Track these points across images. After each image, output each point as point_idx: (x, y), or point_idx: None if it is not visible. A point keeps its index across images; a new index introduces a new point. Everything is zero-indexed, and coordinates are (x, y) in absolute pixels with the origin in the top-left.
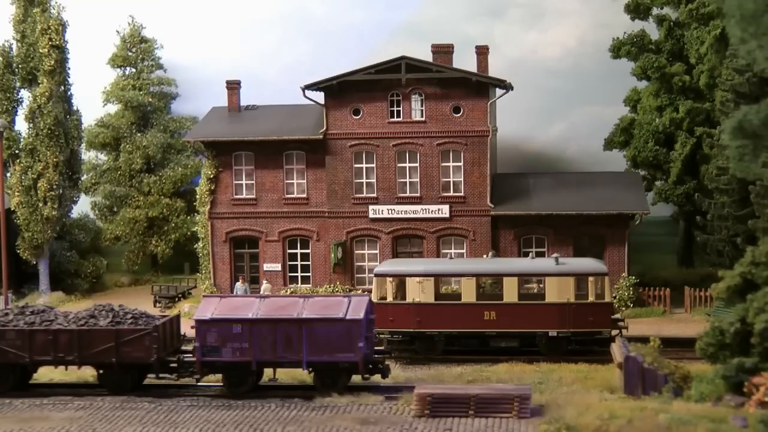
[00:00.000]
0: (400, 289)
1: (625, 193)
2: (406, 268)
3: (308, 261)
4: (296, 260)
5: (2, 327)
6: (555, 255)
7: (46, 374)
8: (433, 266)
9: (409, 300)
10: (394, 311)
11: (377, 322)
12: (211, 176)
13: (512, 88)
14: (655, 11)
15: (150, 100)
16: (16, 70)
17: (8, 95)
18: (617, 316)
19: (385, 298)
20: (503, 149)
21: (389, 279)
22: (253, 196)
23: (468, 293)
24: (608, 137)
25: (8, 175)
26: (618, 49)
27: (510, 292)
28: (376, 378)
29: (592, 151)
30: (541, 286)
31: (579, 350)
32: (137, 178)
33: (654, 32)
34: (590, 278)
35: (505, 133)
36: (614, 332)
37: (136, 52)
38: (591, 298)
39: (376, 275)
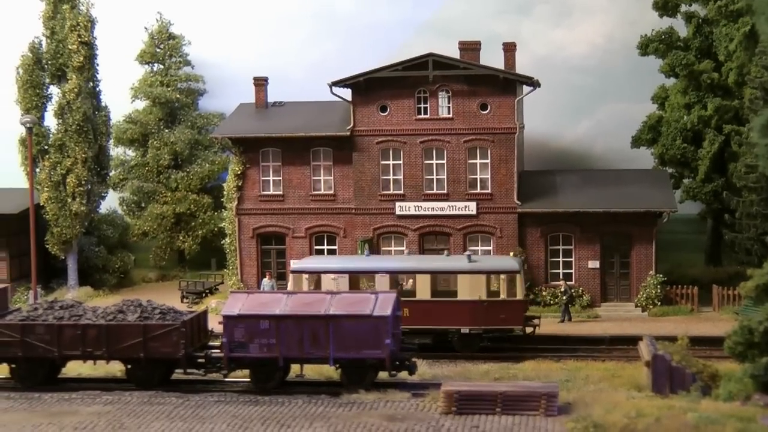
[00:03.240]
0: (317, 286)
1: (653, 190)
2: (322, 265)
3: None
4: None
5: (31, 321)
6: (468, 252)
7: (74, 369)
8: (348, 264)
9: None
10: None
11: None
12: (239, 172)
13: (539, 85)
14: (683, 8)
15: (177, 96)
16: (46, 66)
17: (38, 91)
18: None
19: None
20: (530, 146)
21: (305, 276)
22: (280, 193)
23: (381, 290)
24: (636, 134)
25: (37, 170)
26: (646, 46)
27: (423, 290)
28: (403, 375)
29: (619, 149)
30: (454, 283)
31: (491, 347)
32: (165, 174)
33: (682, 29)
34: (502, 276)
35: (532, 130)
36: (528, 330)
37: (163, 48)
38: (503, 296)
39: (292, 272)
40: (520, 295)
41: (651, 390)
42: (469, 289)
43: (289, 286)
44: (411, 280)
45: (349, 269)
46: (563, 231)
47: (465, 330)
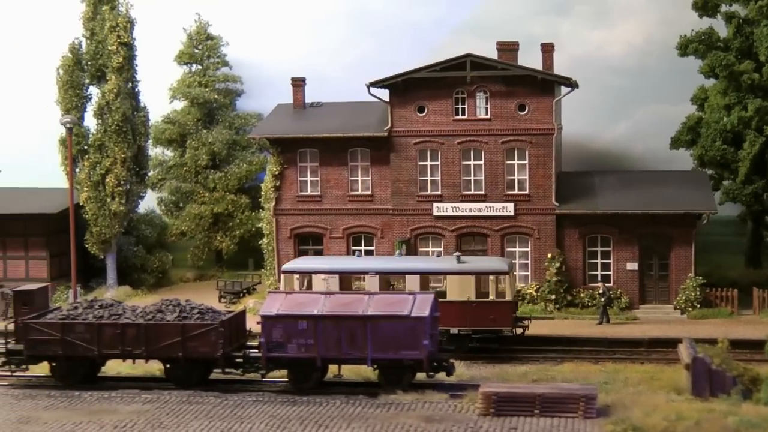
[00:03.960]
0: (307, 286)
1: (692, 192)
2: (312, 266)
3: None
4: None
5: (72, 320)
6: (457, 253)
7: (113, 367)
8: (339, 264)
9: None
10: None
11: None
12: (276, 173)
13: (577, 86)
14: (723, 8)
15: (215, 96)
16: (86, 67)
17: (78, 92)
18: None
19: None
20: (568, 147)
21: (296, 276)
22: (318, 193)
23: (371, 290)
24: (675, 136)
25: (77, 170)
26: (685, 47)
27: (412, 290)
28: (441, 376)
29: (658, 150)
30: (443, 284)
31: (480, 348)
32: (203, 174)
33: (722, 29)
34: (491, 277)
35: (570, 131)
36: (518, 331)
37: (202, 49)
38: (492, 297)
39: (283, 272)
40: (509, 296)
41: (691, 393)
42: (458, 290)
43: (281, 287)
44: (401, 281)
45: (339, 269)
46: (601, 232)
47: (454, 330)
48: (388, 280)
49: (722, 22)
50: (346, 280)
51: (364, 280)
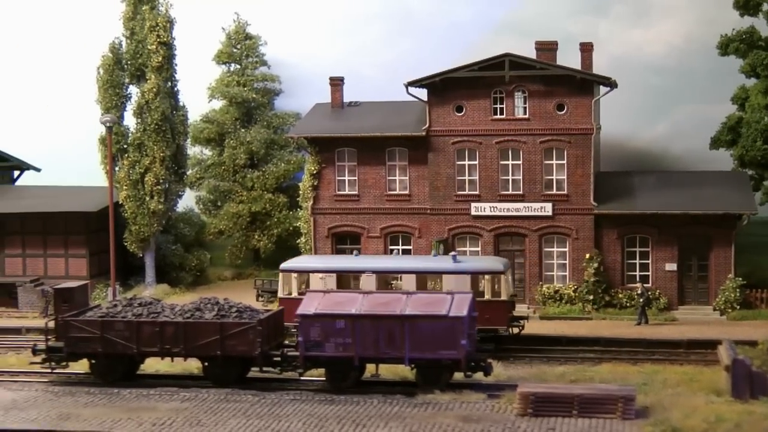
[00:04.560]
0: (306, 285)
1: (732, 192)
2: (310, 265)
3: None
4: None
5: (111, 318)
6: (453, 253)
7: (152, 365)
8: (336, 263)
9: None
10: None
11: (284, 316)
12: (314, 172)
13: (616, 86)
14: (765, 7)
15: (254, 96)
16: (125, 66)
17: (117, 91)
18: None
19: (290, 293)
20: (606, 147)
21: (294, 275)
22: (356, 193)
23: (368, 289)
24: (714, 136)
25: (117, 169)
26: (726, 46)
27: (408, 289)
28: (478, 376)
29: (697, 150)
30: (439, 283)
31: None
32: (241, 174)
33: (764, 28)
34: (486, 277)
35: (609, 130)
36: (514, 330)
37: (240, 48)
38: (487, 296)
39: (282, 271)
40: (504, 296)
41: (730, 395)
42: (454, 289)
43: (279, 285)
44: (397, 280)
45: (336, 269)
46: (640, 233)
47: None
48: (385, 279)
49: (764, 21)
50: (343, 279)
51: (360, 280)
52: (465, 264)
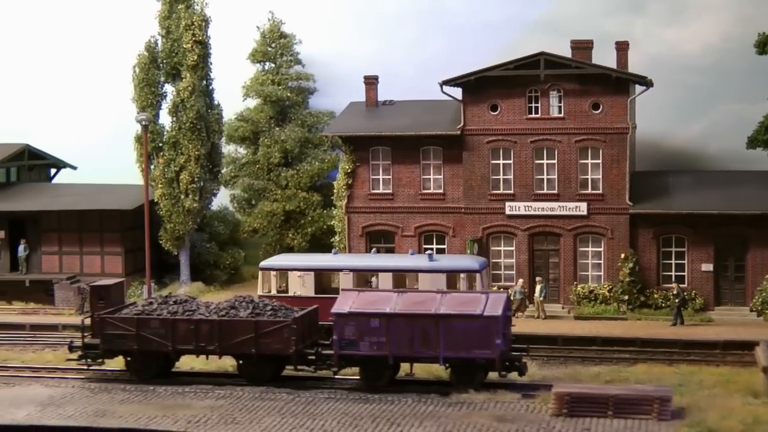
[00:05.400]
0: (284, 283)
1: None
2: (289, 263)
3: None
4: None
5: (147, 316)
6: (429, 252)
7: (187, 363)
8: (313, 261)
9: (290, 293)
10: None
11: None
12: (349, 171)
13: (652, 85)
14: None
15: (288, 94)
16: (161, 65)
17: (153, 90)
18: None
19: (270, 291)
20: (642, 146)
21: (273, 273)
22: (390, 191)
23: (346, 287)
24: (752, 135)
25: (152, 167)
26: (763, 45)
27: (385, 287)
28: (513, 375)
29: (734, 150)
30: (415, 281)
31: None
32: (275, 172)
33: None
34: (461, 275)
35: (644, 130)
36: None
37: (275, 47)
38: None
39: (261, 269)
40: None
41: None
42: (429, 288)
43: (258, 284)
44: (374, 278)
45: (314, 267)
46: (676, 233)
47: None
48: (363, 277)
49: None
50: (322, 277)
51: (338, 278)
52: (440, 263)
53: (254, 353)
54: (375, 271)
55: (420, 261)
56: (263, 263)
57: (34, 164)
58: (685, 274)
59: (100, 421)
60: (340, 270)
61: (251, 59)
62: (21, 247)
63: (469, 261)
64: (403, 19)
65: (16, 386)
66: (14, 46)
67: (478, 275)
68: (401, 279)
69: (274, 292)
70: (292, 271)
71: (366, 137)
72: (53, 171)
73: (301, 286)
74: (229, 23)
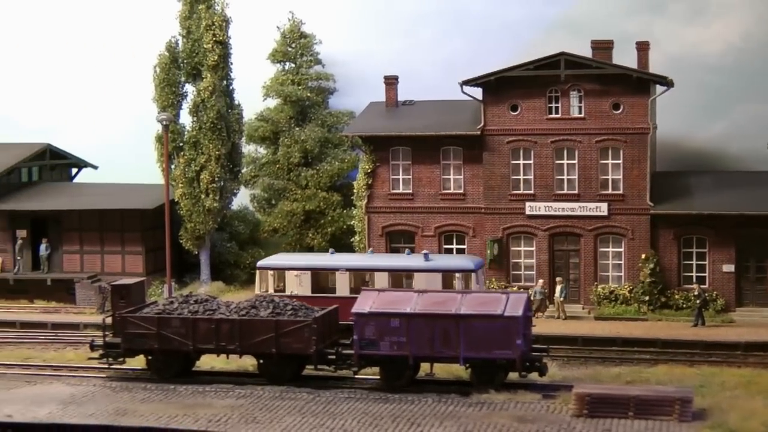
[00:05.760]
0: (281, 282)
1: None
2: (285, 262)
3: None
4: None
5: (168, 315)
6: (425, 251)
7: (208, 362)
8: (310, 261)
9: (287, 292)
10: None
11: None
12: (369, 171)
13: (673, 85)
14: None
15: (308, 94)
16: (182, 65)
17: (174, 89)
18: None
19: (267, 290)
20: (662, 147)
21: (270, 272)
22: (410, 191)
23: (342, 287)
24: None
25: (173, 167)
26: None
27: (381, 287)
28: (533, 376)
29: (755, 150)
30: (411, 281)
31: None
32: (295, 172)
33: None
34: (456, 275)
35: (665, 130)
36: None
37: (295, 47)
38: None
39: (258, 268)
40: None
41: None
42: (424, 287)
43: (256, 283)
44: (370, 278)
45: (311, 266)
46: (697, 233)
47: None
48: (359, 277)
49: None
50: (318, 276)
51: (335, 277)
52: (436, 262)
53: (275, 353)
54: (371, 271)
55: (416, 261)
56: (260, 263)
57: (55, 164)
58: (706, 274)
59: (121, 420)
60: (337, 269)
61: (271, 59)
62: (43, 246)
63: (464, 261)
64: (423, 19)
65: (38, 384)
66: (36, 47)
67: (473, 275)
68: (397, 278)
69: (271, 291)
70: (289, 270)
71: (386, 137)
72: (74, 170)
73: (298, 286)
74: (250, 23)
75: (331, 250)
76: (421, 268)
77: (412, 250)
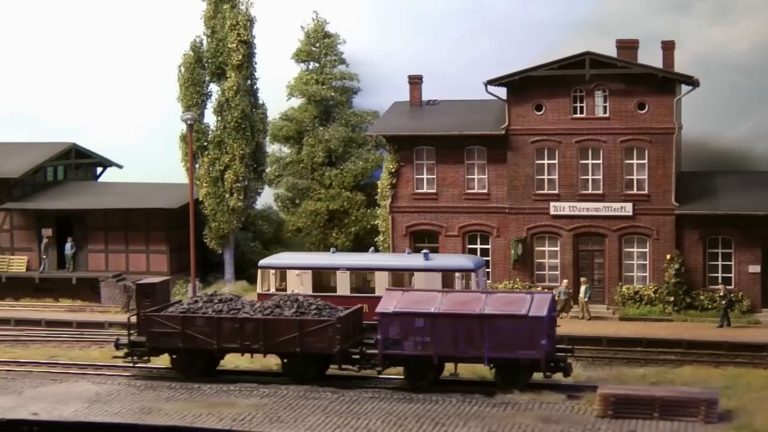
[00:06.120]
0: (282, 282)
1: None
2: (287, 262)
3: (488, 257)
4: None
5: (192, 314)
6: (425, 251)
7: (232, 361)
8: (311, 260)
9: (289, 291)
10: None
11: None
12: (393, 170)
13: (698, 85)
14: None
15: (332, 94)
16: (206, 64)
17: (198, 89)
18: None
19: (269, 290)
20: (688, 147)
21: (272, 271)
22: (434, 191)
23: (343, 286)
24: None
25: (197, 166)
26: None
27: (381, 286)
28: (558, 376)
29: None
30: (411, 280)
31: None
32: (319, 171)
33: None
34: (456, 274)
35: (690, 130)
36: None
37: (319, 47)
38: None
39: (260, 267)
40: None
41: None
42: (424, 286)
43: (258, 282)
44: (371, 277)
45: (312, 266)
46: (723, 234)
47: None
48: (359, 276)
49: None
50: (319, 276)
51: (335, 276)
52: (436, 262)
53: (299, 352)
54: (372, 270)
55: (416, 260)
56: (262, 262)
57: (80, 163)
58: (732, 275)
59: (146, 418)
60: (337, 269)
61: (295, 59)
62: (68, 245)
63: (464, 260)
64: (447, 19)
65: (63, 383)
66: (62, 47)
67: (473, 274)
68: (397, 278)
69: (273, 290)
70: (290, 269)
71: (410, 137)
72: (99, 170)
73: (299, 285)
74: (274, 23)
75: (332, 249)
76: (421, 267)
77: (437, 250)
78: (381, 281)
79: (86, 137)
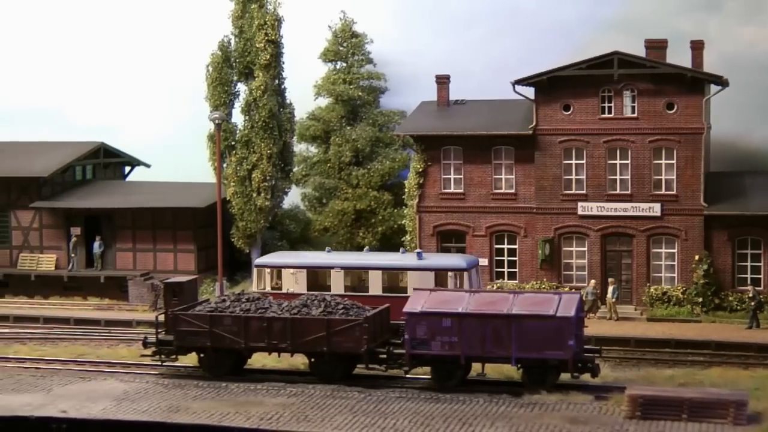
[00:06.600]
0: (278, 280)
1: None
2: (282, 261)
3: (515, 257)
4: (503, 256)
5: (220, 313)
6: (418, 250)
7: (259, 360)
8: (306, 259)
9: (284, 290)
10: None
11: None
12: (420, 170)
13: (728, 85)
14: None
15: (360, 94)
16: (234, 64)
17: (226, 89)
18: None
19: (264, 288)
20: (717, 147)
21: (267, 270)
22: (461, 191)
23: (337, 285)
24: None
25: (225, 166)
26: None
27: (375, 285)
28: (585, 377)
29: None
30: (404, 279)
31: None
32: (346, 171)
33: None
34: (449, 273)
35: (719, 130)
36: None
37: (347, 46)
38: None
39: (256, 266)
40: None
41: None
42: (417, 286)
43: (254, 281)
44: (365, 276)
45: (306, 265)
46: (752, 235)
47: None
48: (354, 275)
49: None
50: (314, 275)
51: (330, 275)
52: (429, 261)
53: (326, 351)
54: (366, 269)
55: (409, 259)
56: (258, 261)
57: (109, 162)
58: (762, 276)
59: (174, 417)
60: (332, 268)
61: (323, 58)
62: (96, 244)
63: (457, 260)
64: (474, 19)
65: (92, 381)
66: (91, 46)
67: (465, 273)
68: (391, 277)
69: (268, 289)
70: (286, 268)
71: (437, 136)
72: (127, 169)
73: (295, 284)
74: (301, 23)
75: (327, 248)
76: (414, 266)
77: (463, 250)
78: (375, 280)
79: (115, 137)
